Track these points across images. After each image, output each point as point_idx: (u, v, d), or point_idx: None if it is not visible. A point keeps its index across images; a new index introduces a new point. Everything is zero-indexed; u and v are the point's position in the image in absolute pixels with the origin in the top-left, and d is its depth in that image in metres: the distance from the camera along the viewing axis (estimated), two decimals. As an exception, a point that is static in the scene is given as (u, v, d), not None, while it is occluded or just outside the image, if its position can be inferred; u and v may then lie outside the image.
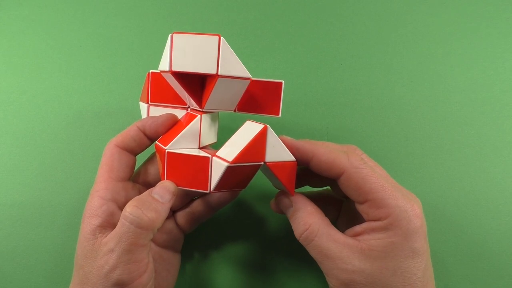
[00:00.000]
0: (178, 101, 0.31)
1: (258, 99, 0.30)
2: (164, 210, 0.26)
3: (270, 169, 0.26)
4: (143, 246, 0.25)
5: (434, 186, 0.36)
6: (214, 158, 0.26)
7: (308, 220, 0.26)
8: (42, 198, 0.36)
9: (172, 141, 0.27)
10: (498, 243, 0.35)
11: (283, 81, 0.30)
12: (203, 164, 0.26)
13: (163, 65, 0.27)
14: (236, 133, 0.28)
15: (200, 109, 0.28)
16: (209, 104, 0.28)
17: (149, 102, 0.31)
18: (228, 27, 0.42)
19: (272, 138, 0.27)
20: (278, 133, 0.32)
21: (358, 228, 0.27)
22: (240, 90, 0.29)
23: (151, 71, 0.31)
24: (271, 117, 0.31)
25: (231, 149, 0.26)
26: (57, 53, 0.41)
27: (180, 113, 0.30)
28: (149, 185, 0.31)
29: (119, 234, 0.25)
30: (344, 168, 0.26)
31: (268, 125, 0.26)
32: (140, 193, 0.30)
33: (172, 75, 0.26)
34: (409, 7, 0.43)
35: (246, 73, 0.27)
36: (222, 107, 0.29)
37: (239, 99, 0.30)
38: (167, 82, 0.30)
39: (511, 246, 0.35)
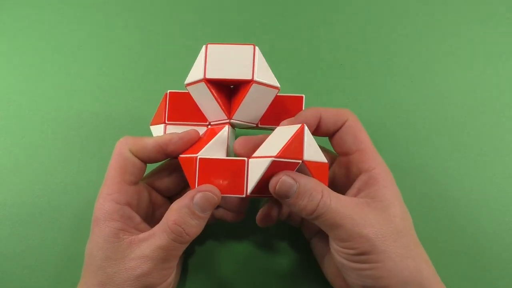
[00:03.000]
0: (197, 119, 0.31)
1: (280, 113, 0.31)
2: (204, 222, 0.26)
3: (307, 169, 0.26)
4: (179, 255, 0.26)
5: (434, 186, 0.36)
6: (250, 160, 0.26)
7: (319, 188, 0.26)
8: (42, 198, 0.36)
9: (204, 149, 0.27)
10: (498, 243, 0.35)
11: (303, 95, 0.31)
12: (238, 168, 0.26)
13: (195, 75, 0.28)
14: (269, 137, 0.28)
15: (227, 120, 0.29)
16: (237, 114, 0.29)
17: (166, 122, 0.31)
18: (227, 27, 0.42)
19: (309, 137, 0.27)
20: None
21: (351, 190, 0.28)
22: (267, 100, 0.29)
23: (169, 91, 0.31)
24: None
25: (271, 148, 0.26)
26: (57, 53, 0.41)
27: (200, 131, 0.30)
28: (158, 189, 0.31)
29: (158, 245, 0.25)
30: (346, 117, 0.29)
31: (304, 124, 0.27)
32: (150, 195, 0.30)
33: (206, 82, 0.27)
34: (409, 7, 0.43)
35: (276, 82, 0.28)
36: (248, 119, 0.30)
37: (263, 112, 0.30)
38: (186, 102, 0.30)
39: (511, 246, 0.35)
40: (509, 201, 0.36)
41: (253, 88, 0.27)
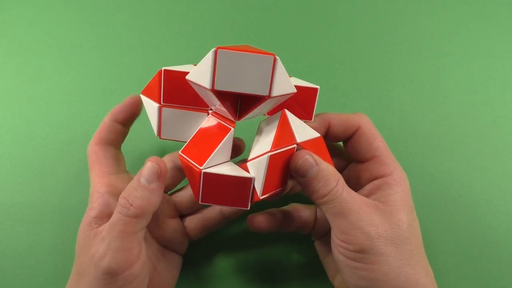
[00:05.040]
0: (196, 103, 0.28)
1: (290, 103, 0.29)
2: (154, 195, 0.26)
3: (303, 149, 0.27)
4: (133, 234, 0.25)
5: (434, 186, 0.36)
6: (248, 163, 0.26)
7: (336, 176, 0.26)
8: (42, 198, 0.36)
9: (207, 161, 0.26)
10: (498, 243, 0.35)
11: (318, 87, 0.29)
12: (244, 184, 0.26)
13: (201, 80, 0.24)
14: (257, 136, 0.28)
15: (234, 120, 0.27)
16: (247, 117, 0.27)
17: (162, 103, 0.28)
18: (227, 26, 0.42)
19: (294, 119, 0.27)
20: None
21: (362, 191, 0.29)
22: (280, 101, 0.27)
23: (164, 68, 0.28)
24: None
25: (264, 145, 0.26)
26: (57, 53, 0.41)
27: (199, 117, 0.29)
28: None
29: (110, 223, 0.25)
30: (359, 123, 0.29)
31: (285, 109, 0.27)
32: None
33: (213, 92, 0.24)
34: (409, 7, 0.43)
35: (292, 89, 0.26)
36: (257, 115, 0.28)
37: (275, 107, 0.29)
38: (183, 82, 0.27)
39: (511, 246, 0.35)
40: (509, 201, 0.36)
41: (267, 101, 0.25)
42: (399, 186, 0.27)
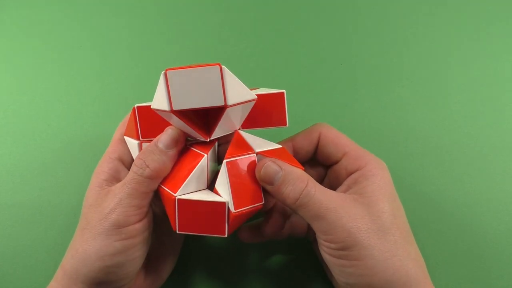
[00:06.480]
0: None
1: (262, 112, 0.29)
2: (168, 159, 0.27)
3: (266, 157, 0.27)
4: (145, 193, 0.26)
5: (434, 186, 0.36)
6: (216, 186, 0.26)
7: (304, 177, 0.26)
8: (42, 198, 0.36)
9: (181, 188, 0.26)
10: (498, 243, 0.35)
11: (284, 91, 0.29)
12: (219, 209, 0.26)
13: (161, 105, 0.25)
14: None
15: (206, 140, 0.27)
16: (216, 132, 0.27)
17: (141, 139, 0.29)
18: (228, 27, 0.42)
19: (249, 136, 0.28)
20: (278, 134, 0.32)
21: (341, 188, 0.29)
22: (246, 111, 0.28)
23: (136, 105, 0.29)
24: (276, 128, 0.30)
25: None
26: (57, 53, 0.41)
27: None
28: None
29: (124, 181, 0.26)
30: (319, 130, 0.30)
31: (237, 130, 0.28)
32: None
33: (174, 113, 0.25)
34: (409, 7, 0.43)
35: (251, 95, 0.26)
36: (228, 131, 0.28)
37: (244, 119, 0.29)
38: (157, 115, 0.28)
39: (511, 246, 0.35)
40: (509, 201, 0.36)
41: (227, 111, 0.25)
42: (375, 176, 0.27)
